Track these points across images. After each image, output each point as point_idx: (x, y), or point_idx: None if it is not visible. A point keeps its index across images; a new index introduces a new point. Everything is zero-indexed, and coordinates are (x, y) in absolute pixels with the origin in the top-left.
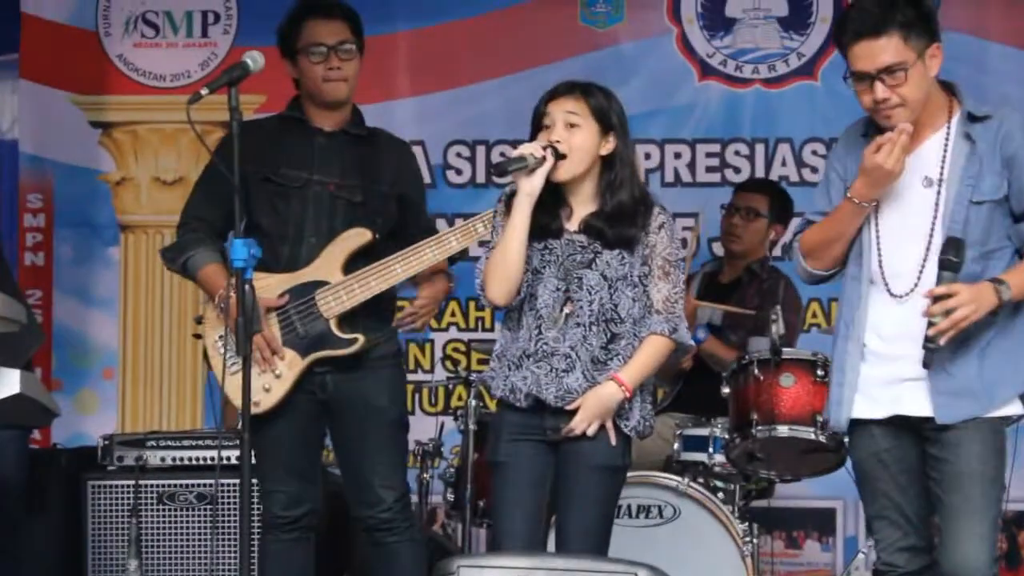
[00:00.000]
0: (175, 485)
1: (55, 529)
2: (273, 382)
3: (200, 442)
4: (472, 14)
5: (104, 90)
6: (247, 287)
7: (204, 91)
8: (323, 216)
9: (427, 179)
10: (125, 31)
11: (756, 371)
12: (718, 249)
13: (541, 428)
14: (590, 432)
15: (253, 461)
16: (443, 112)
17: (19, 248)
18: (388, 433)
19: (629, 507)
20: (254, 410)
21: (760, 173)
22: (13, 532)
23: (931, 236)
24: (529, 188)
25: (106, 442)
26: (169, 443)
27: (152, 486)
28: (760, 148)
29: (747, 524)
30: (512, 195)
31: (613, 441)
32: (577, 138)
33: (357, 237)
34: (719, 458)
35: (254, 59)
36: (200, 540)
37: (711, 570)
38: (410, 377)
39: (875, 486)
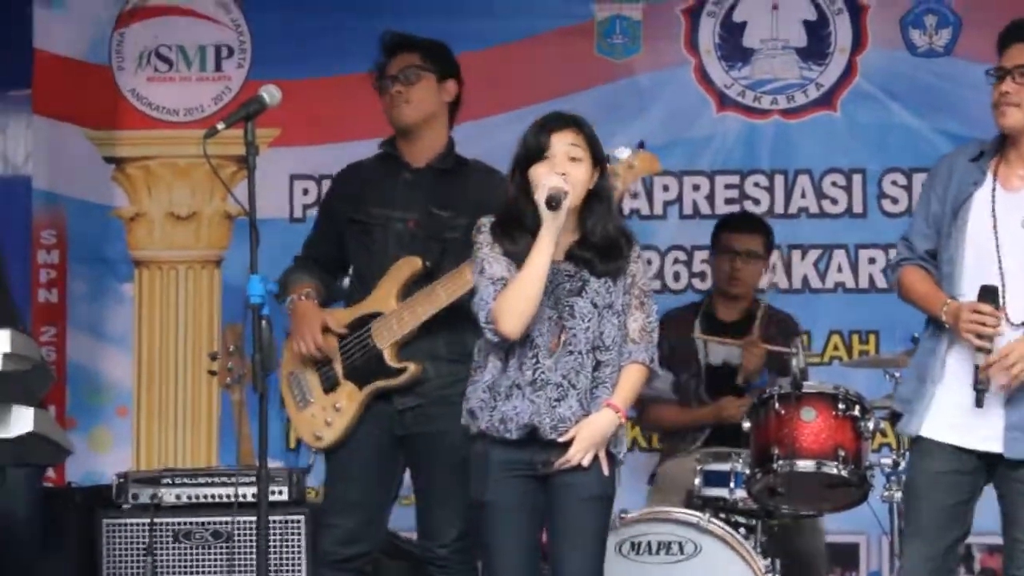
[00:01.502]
0: (191, 523)
1: (70, 568)
2: (334, 415)
3: (216, 479)
4: (486, 46)
5: (117, 125)
6: (263, 324)
7: (221, 126)
8: (403, 253)
9: None
10: (138, 65)
11: (777, 405)
12: (697, 283)
13: (531, 463)
14: (585, 462)
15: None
16: (458, 144)
17: (32, 285)
18: (459, 471)
19: (649, 544)
20: (317, 444)
21: (779, 205)
22: (28, 571)
23: None
24: (559, 222)
25: (121, 480)
26: (184, 481)
27: (167, 524)
28: (779, 180)
29: (769, 560)
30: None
31: (607, 471)
32: (578, 172)
33: (408, 266)
34: (740, 493)
35: (271, 93)
36: None
37: None
38: None
39: (921, 503)
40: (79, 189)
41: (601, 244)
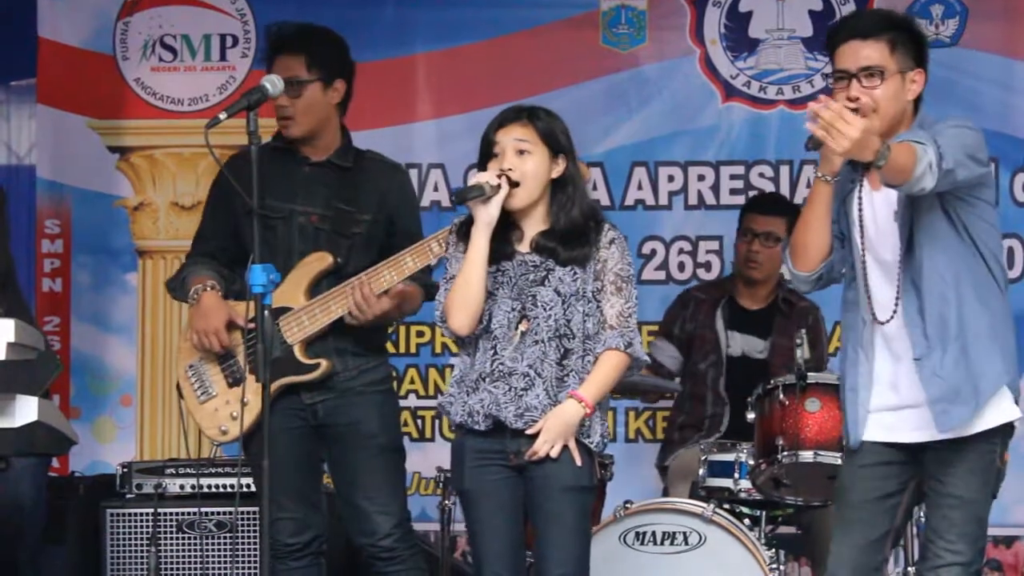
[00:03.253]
0: (194, 513)
1: (74, 558)
2: (241, 410)
3: (219, 469)
4: (491, 36)
5: (121, 115)
6: (266, 313)
7: (223, 115)
8: (308, 247)
9: (446, 203)
10: (143, 55)
11: (781, 396)
12: (702, 273)
13: (503, 452)
14: (553, 454)
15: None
16: (463, 135)
17: (36, 274)
18: (381, 460)
19: (654, 534)
20: (222, 438)
21: (785, 195)
22: (32, 561)
23: (899, 268)
24: (487, 217)
25: (124, 470)
26: (188, 470)
27: (171, 514)
28: (785, 170)
29: (774, 551)
30: (462, 225)
31: (579, 461)
32: (528, 165)
33: (318, 262)
34: (745, 484)
35: (273, 83)
36: (220, 568)
37: None
38: (430, 403)
39: (847, 496)
40: (83, 179)
41: (564, 231)
